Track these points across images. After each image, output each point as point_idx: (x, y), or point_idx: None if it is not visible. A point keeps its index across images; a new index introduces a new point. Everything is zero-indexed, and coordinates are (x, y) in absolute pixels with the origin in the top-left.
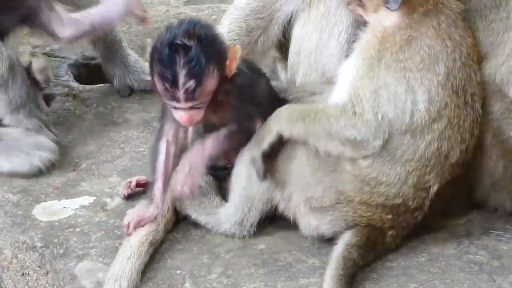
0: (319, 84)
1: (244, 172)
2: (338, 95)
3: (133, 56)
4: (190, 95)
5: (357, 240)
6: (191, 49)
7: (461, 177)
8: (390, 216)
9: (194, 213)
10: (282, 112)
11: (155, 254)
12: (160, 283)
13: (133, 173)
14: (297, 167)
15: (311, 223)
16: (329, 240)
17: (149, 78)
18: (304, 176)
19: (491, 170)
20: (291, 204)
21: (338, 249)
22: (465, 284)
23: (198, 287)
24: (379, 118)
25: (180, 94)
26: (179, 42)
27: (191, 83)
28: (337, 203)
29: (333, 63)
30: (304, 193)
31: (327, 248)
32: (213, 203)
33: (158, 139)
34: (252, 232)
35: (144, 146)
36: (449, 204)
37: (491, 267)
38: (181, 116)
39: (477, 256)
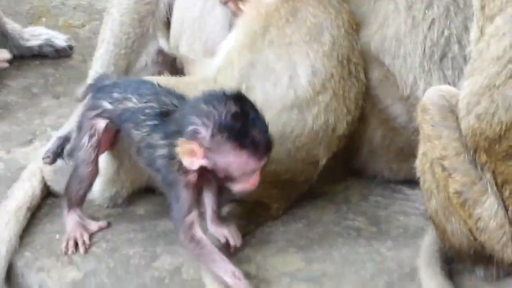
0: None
1: None
2: (213, 66)
3: (10, 23)
4: (269, 148)
5: (239, 212)
6: (253, 108)
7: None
8: (276, 191)
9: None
10: None
11: (34, 219)
12: (39, 247)
13: (12, 138)
14: None
15: None
16: None
17: (28, 44)
18: None
19: (370, 139)
20: None
21: None
22: (343, 249)
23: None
24: (243, 89)
25: (263, 150)
26: (245, 106)
27: (269, 135)
28: None
29: (217, 31)
30: None
31: None
32: None
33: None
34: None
35: (23, 111)
36: (330, 172)
37: (369, 233)
38: (254, 180)
39: (355, 222)
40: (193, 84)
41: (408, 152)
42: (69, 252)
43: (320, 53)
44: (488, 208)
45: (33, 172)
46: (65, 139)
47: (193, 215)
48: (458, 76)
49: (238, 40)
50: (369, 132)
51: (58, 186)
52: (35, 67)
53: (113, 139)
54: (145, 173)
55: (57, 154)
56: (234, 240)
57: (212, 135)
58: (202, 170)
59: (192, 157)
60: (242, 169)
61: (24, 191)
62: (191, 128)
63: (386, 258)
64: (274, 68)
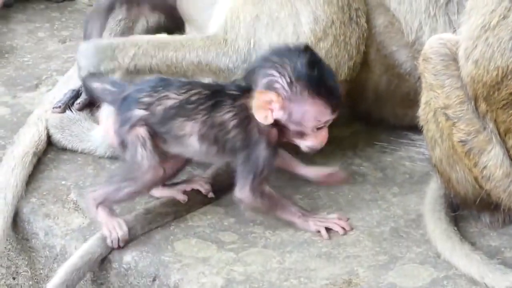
0: None
1: None
2: (215, 25)
3: None
4: (340, 100)
5: None
6: (322, 60)
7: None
8: None
9: (69, 144)
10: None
11: (40, 164)
12: (45, 193)
13: (18, 83)
14: None
15: None
16: None
17: None
18: None
19: (375, 85)
20: None
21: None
22: (350, 195)
23: (83, 197)
24: (251, 45)
25: (336, 101)
26: (316, 57)
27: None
28: None
29: None
30: None
31: None
32: (84, 129)
33: None
34: None
35: (29, 56)
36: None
37: (375, 178)
38: (323, 136)
39: (361, 168)
40: (202, 47)
41: (414, 98)
42: (115, 246)
43: (321, 0)
44: (493, 157)
45: (39, 117)
46: (78, 92)
47: (267, 173)
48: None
49: None
50: (374, 78)
51: (61, 134)
52: (41, 11)
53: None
54: None
55: (68, 105)
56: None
57: (290, 83)
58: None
59: (267, 110)
60: (316, 119)
61: (30, 136)
62: (267, 79)
63: (392, 204)
64: (278, 17)
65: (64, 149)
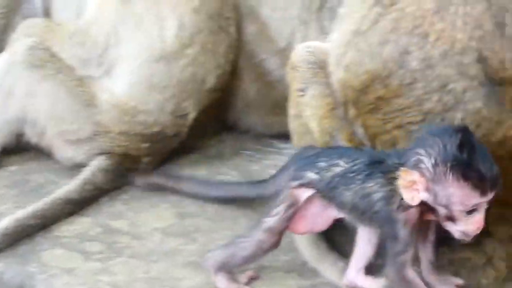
0: None
1: None
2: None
3: None
4: (495, 184)
5: (107, 165)
6: (479, 143)
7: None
8: (147, 145)
9: None
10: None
11: None
12: None
13: None
14: (48, 102)
15: (67, 155)
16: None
17: None
18: (56, 110)
19: (244, 93)
20: (44, 138)
21: (85, 172)
22: (216, 204)
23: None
24: (111, 42)
25: (488, 185)
26: (471, 139)
27: (496, 171)
28: (95, 134)
29: None
30: (58, 127)
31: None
32: None
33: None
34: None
35: None
36: (203, 127)
37: None
38: (477, 221)
39: (228, 176)
40: (65, 34)
41: (283, 106)
42: None
43: (188, 8)
44: None
45: None
46: None
47: (408, 254)
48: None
49: None
50: (243, 87)
51: None
52: None
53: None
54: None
55: None
56: None
57: (435, 165)
58: (423, 208)
59: (413, 191)
60: (463, 203)
61: None
62: (414, 158)
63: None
64: (143, 20)
65: None
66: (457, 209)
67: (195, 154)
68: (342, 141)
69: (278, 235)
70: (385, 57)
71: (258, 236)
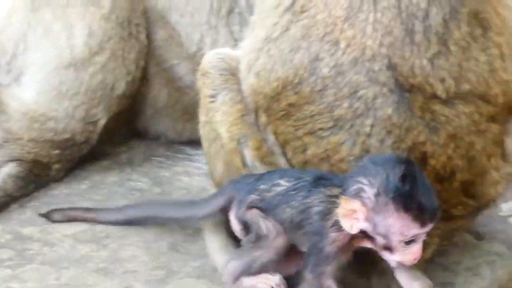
0: None
1: None
2: None
3: None
4: (434, 216)
5: (17, 172)
6: (422, 176)
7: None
8: (57, 151)
9: None
10: None
11: None
12: None
13: None
14: None
15: None
16: None
17: None
18: None
19: (154, 99)
20: None
21: None
22: None
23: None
24: (20, 49)
25: (427, 217)
26: (414, 171)
27: (436, 204)
28: (5, 141)
29: None
30: None
31: None
32: None
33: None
34: None
35: None
36: (112, 134)
37: (152, 194)
38: (415, 252)
39: (138, 183)
40: None
41: (194, 112)
42: None
43: (97, 15)
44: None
45: None
46: None
47: (328, 268)
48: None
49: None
50: (153, 93)
51: None
52: None
53: None
54: None
55: None
56: None
57: (377, 195)
58: (359, 236)
59: (353, 219)
60: (403, 233)
61: None
62: (355, 186)
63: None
64: (52, 28)
65: None
66: (396, 239)
67: (105, 160)
68: (250, 148)
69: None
70: (296, 64)
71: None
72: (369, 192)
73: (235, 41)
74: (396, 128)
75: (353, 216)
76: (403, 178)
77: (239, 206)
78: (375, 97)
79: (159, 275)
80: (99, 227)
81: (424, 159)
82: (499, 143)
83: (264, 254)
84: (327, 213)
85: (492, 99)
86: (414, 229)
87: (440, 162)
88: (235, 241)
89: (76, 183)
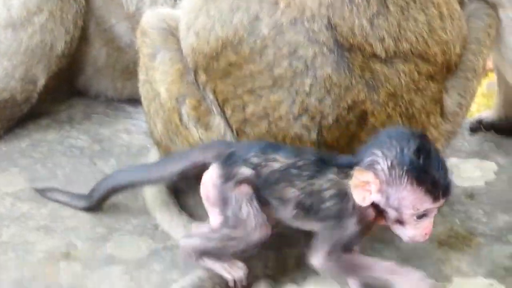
0: None
1: None
2: None
3: None
4: (447, 191)
5: None
6: (436, 150)
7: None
8: None
9: None
10: None
11: None
12: None
13: None
14: None
15: None
16: None
17: None
18: None
19: (94, 59)
20: None
21: None
22: (67, 168)
23: None
24: None
25: (441, 191)
26: (428, 145)
27: (449, 179)
28: None
29: None
30: None
31: None
32: None
33: None
34: None
35: None
36: (52, 93)
37: (92, 151)
38: (426, 227)
39: (78, 141)
40: None
41: (134, 71)
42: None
43: None
44: (215, 128)
45: None
46: None
47: (349, 245)
48: None
49: None
50: (93, 52)
51: None
52: None
53: None
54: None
55: None
56: None
57: (391, 167)
58: (374, 210)
59: (365, 191)
60: (415, 207)
61: None
62: (369, 158)
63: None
64: None
65: None
66: (408, 212)
67: (45, 119)
68: (187, 106)
69: (265, 226)
70: (236, 23)
71: (245, 235)
72: (383, 164)
73: (174, 1)
74: (336, 87)
75: (365, 187)
76: (418, 151)
77: (228, 177)
78: (314, 57)
79: (100, 232)
80: (39, 185)
81: (363, 117)
82: (438, 101)
83: (239, 245)
84: (343, 196)
85: (431, 58)
86: (427, 203)
87: (380, 120)
88: (177, 198)
89: (16, 141)
